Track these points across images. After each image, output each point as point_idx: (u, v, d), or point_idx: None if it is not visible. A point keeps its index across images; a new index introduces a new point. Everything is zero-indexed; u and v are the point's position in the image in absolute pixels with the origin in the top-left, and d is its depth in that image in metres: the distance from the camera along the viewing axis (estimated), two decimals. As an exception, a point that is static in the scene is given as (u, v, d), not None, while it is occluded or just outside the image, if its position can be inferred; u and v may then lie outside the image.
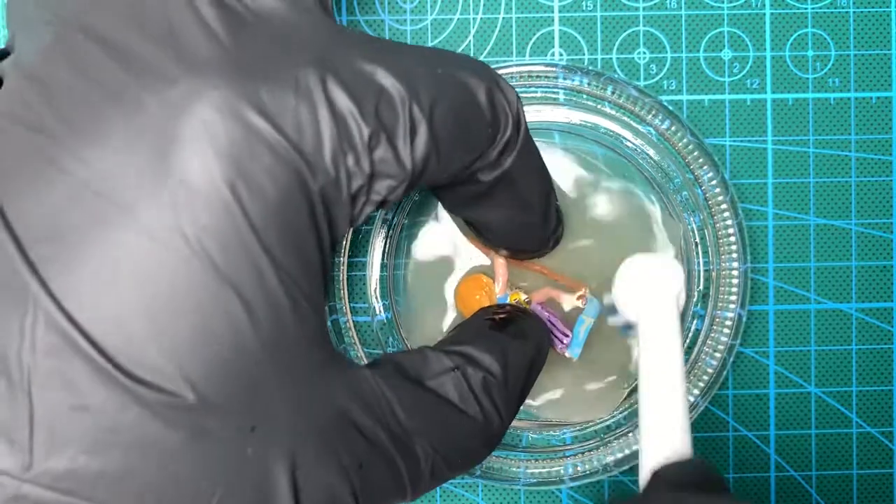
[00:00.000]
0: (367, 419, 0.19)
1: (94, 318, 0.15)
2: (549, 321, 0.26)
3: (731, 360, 0.27)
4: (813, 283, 0.29)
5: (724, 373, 0.27)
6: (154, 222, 0.16)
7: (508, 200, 0.22)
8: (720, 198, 0.27)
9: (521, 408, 0.27)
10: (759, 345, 0.29)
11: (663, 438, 0.20)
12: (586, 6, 0.28)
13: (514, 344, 0.22)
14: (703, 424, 0.29)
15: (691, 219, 0.27)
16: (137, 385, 0.16)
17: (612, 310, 0.24)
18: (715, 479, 0.20)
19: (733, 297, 0.27)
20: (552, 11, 0.28)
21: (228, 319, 0.16)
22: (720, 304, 0.27)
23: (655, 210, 0.27)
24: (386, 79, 0.18)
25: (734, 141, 0.29)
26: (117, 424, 0.16)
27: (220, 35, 0.17)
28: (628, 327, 0.24)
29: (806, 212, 0.29)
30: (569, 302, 0.26)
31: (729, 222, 0.27)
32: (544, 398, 0.27)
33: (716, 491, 0.19)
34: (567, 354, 0.26)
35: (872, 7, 0.29)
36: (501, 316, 0.24)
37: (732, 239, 0.27)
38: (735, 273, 0.27)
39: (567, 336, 0.26)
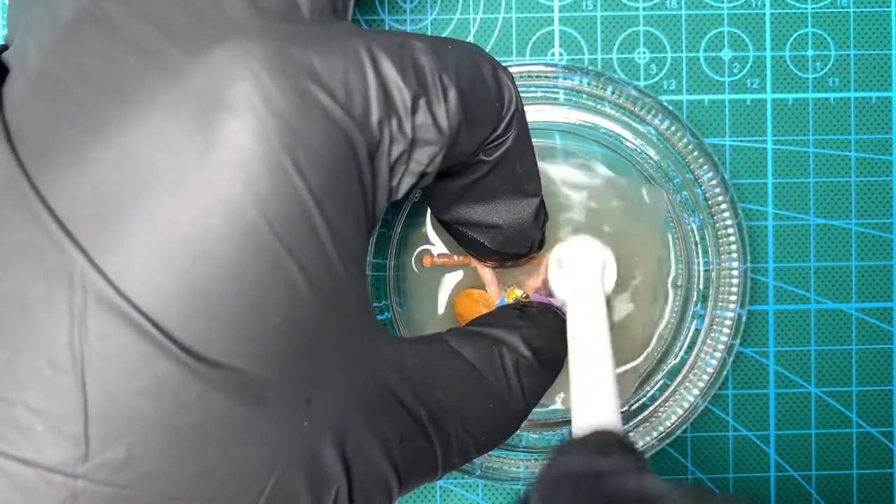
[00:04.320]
0: (409, 393, 0.18)
1: (148, 294, 0.15)
2: (552, 305, 0.26)
3: (731, 360, 0.27)
4: (813, 282, 0.29)
5: (724, 373, 0.27)
6: (207, 189, 0.15)
7: (507, 184, 0.22)
8: (720, 198, 0.27)
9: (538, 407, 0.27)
10: (758, 345, 0.29)
11: (590, 411, 0.21)
12: (586, 6, 0.28)
13: (543, 331, 0.23)
14: (703, 424, 0.29)
15: (691, 219, 0.27)
16: (199, 362, 0.15)
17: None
18: (627, 447, 0.19)
19: (733, 297, 0.27)
20: (552, 11, 0.28)
21: (288, 288, 0.16)
22: (720, 304, 0.27)
23: (636, 180, 0.27)
24: (418, 49, 0.18)
25: (734, 141, 0.29)
26: (178, 406, 0.15)
27: (264, 6, 0.16)
28: None
29: (806, 212, 0.29)
30: None
31: (729, 222, 0.27)
32: (564, 392, 0.27)
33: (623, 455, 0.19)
34: None
35: (872, 7, 0.29)
36: (522, 308, 0.24)
37: (732, 239, 0.27)
38: (735, 273, 0.27)
39: None
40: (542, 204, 0.23)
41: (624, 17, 0.29)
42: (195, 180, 0.15)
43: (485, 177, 0.21)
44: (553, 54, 0.29)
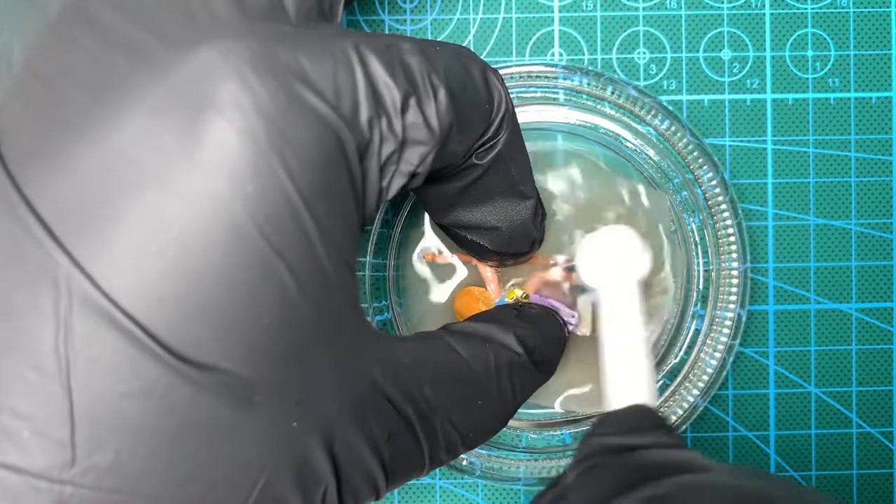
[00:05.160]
0: (398, 391, 0.18)
1: (134, 296, 0.14)
2: (552, 306, 0.26)
3: (731, 360, 0.27)
4: (813, 283, 0.29)
5: (724, 373, 0.27)
6: (194, 190, 0.15)
7: (502, 187, 0.22)
8: (720, 198, 0.27)
9: (531, 407, 0.27)
10: (759, 345, 0.29)
11: (624, 389, 0.22)
12: (586, 6, 0.28)
13: (538, 332, 0.23)
14: (703, 425, 0.29)
15: (691, 219, 0.27)
16: (186, 365, 0.15)
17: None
18: (656, 419, 0.20)
19: (733, 297, 0.27)
20: (552, 11, 0.28)
21: (278, 290, 0.16)
22: (720, 304, 0.27)
23: (637, 183, 0.27)
24: (406, 51, 0.18)
25: (734, 141, 0.29)
26: (165, 409, 0.15)
27: (252, 7, 0.16)
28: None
29: (806, 212, 0.29)
30: (566, 279, 0.27)
31: (728, 222, 0.27)
32: (569, 393, 0.27)
33: (653, 430, 0.20)
34: (580, 333, 0.26)
35: (872, 7, 0.29)
36: (520, 308, 0.24)
37: (732, 239, 0.27)
38: (735, 273, 0.27)
39: (574, 315, 0.26)
40: (538, 203, 0.23)
41: (624, 17, 0.29)
42: (182, 180, 0.15)
43: (479, 180, 0.21)
44: (553, 54, 0.29)
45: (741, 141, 0.29)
